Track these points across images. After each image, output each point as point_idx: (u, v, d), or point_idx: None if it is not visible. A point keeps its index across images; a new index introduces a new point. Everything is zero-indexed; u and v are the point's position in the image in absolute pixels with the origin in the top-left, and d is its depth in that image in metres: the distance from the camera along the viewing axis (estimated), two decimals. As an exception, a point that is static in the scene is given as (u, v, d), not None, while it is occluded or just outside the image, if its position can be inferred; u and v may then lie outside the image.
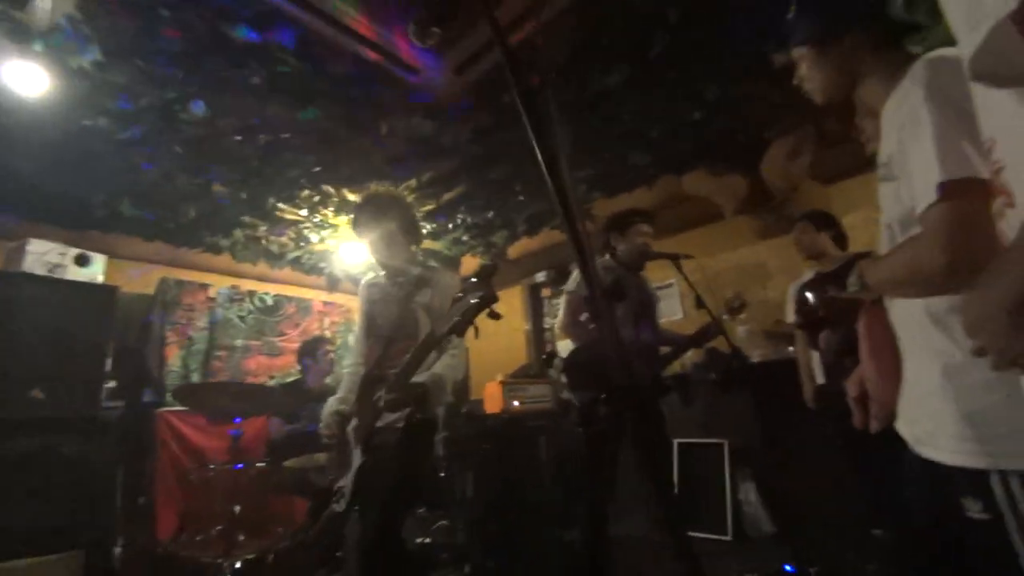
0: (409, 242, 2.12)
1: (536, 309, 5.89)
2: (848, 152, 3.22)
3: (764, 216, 3.74)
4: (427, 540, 3.19)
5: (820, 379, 2.48)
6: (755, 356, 3.63)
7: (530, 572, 2.87)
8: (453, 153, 3.28)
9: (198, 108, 2.56)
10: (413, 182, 3.65)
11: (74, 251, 3.22)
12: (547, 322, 5.89)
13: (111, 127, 2.67)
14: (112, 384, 3.27)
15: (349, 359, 2.10)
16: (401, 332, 1.87)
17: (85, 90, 2.38)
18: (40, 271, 3.06)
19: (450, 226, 4.44)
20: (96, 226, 3.63)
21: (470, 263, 5.37)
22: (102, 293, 3.19)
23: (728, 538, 3.08)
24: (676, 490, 2.25)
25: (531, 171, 3.56)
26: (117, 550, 2.83)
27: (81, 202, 3.35)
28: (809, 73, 1.04)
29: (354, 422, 1.82)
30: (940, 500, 0.85)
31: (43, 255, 3.12)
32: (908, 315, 0.90)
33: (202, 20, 2.08)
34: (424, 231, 4.50)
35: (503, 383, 4.06)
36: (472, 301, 1.26)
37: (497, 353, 5.83)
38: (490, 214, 4.27)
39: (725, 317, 2.47)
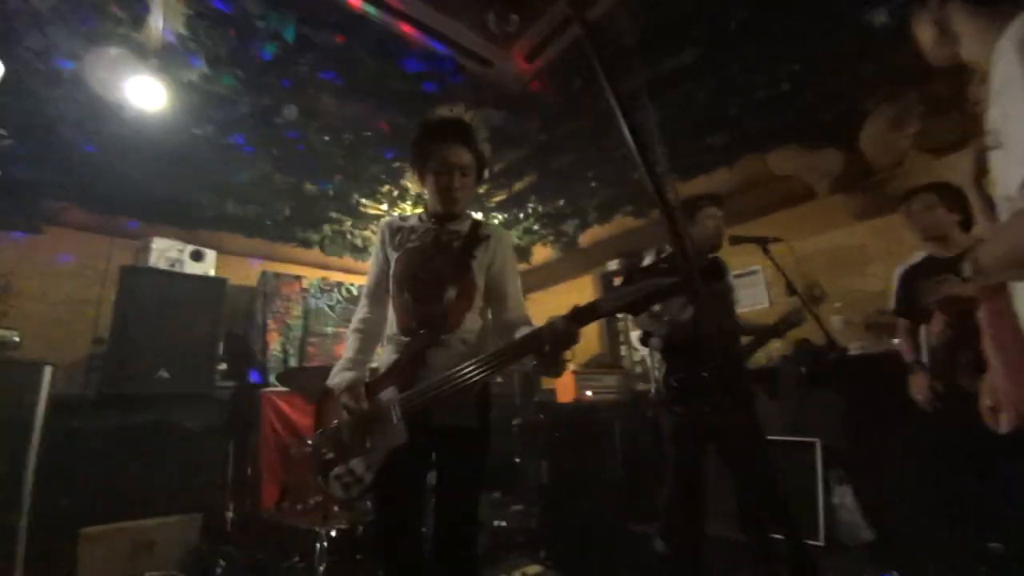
0: (477, 183, 1.72)
1: (609, 298, 5.80)
2: (961, 120, 2.83)
3: (864, 195, 3.40)
4: (503, 523, 3.28)
5: (928, 374, 2.22)
6: (853, 348, 3.34)
7: (602, 562, 2.86)
8: (522, 143, 3.28)
9: (291, 112, 2.76)
10: (485, 173, 3.70)
11: (190, 247, 3.64)
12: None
13: (216, 134, 2.94)
14: (223, 366, 3.66)
15: (360, 313, 1.69)
16: (450, 291, 1.52)
17: (194, 101, 2.65)
18: (163, 266, 3.49)
19: (521, 216, 4.47)
20: (206, 225, 4.04)
21: (541, 252, 5.38)
22: (214, 285, 3.58)
23: (820, 544, 2.87)
24: (774, 491, 2.08)
25: (601, 158, 3.49)
26: (229, 515, 3.17)
27: (193, 203, 3.74)
28: (917, 34, 0.95)
29: (391, 392, 1.47)
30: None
31: (165, 251, 3.56)
32: None
33: (289, 26, 2.23)
34: (495, 221, 4.57)
35: (576, 372, 4.05)
36: (665, 282, 1.01)
37: (569, 342, 5.82)
38: (561, 202, 4.25)
39: (800, 315, 2.29)
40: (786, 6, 2.20)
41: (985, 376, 0.96)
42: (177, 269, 3.55)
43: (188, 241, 3.71)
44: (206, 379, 3.36)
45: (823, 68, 2.62)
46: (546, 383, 4.72)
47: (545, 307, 6.35)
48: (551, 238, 4.94)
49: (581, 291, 5.95)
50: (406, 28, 2.25)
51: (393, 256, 1.63)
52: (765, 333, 2.42)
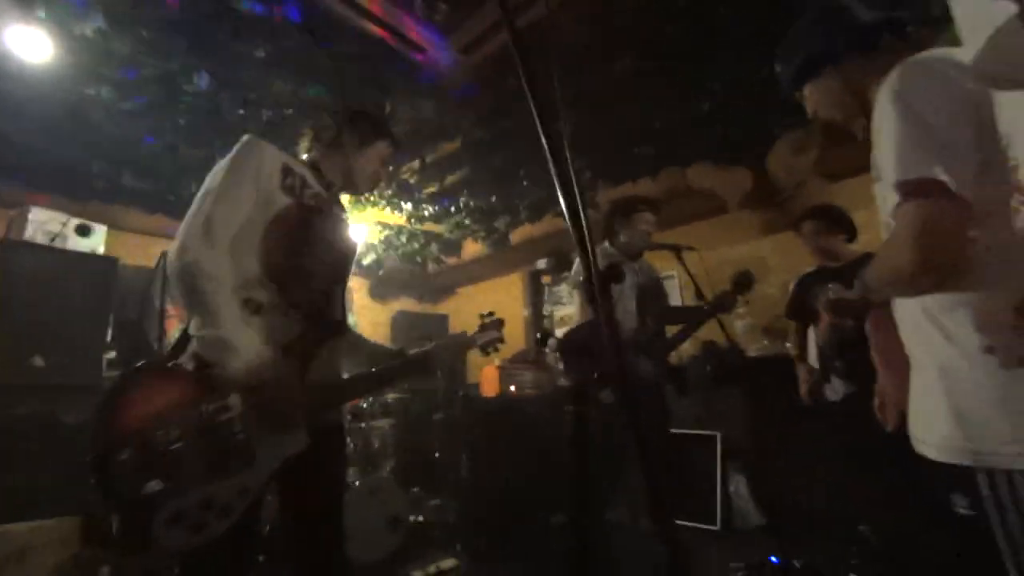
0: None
1: (536, 295, 5.90)
2: (854, 149, 3.19)
3: (768, 211, 3.73)
4: (420, 518, 3.25)
5: (815, 374, 2.48)
6: (752, 351, 3.65)
7: (519, 554, 2.91)
8: (456, 136, 3.25)
9: (202, 80, 2.54)
10: (416, 163, 3.63)
11: (75, 221, 3.22)
12: (546, 308, 5.91)
13: (114, 97, 2.64)
14: (112, 355, 3.29)
15: (223, 294, 1.16)
16: (335, 275, 1.41)
17: (88, 58, 2.36)
18: (41, 240, 3.07)
19: (452, 209, 4.43)
20: (97, 197, 3.62)
21: (471, 247, 5.37)
22: (103, 264, 3.19)
23: (716, 528, 3.12)
24: (669, 479, 2.24)
25: (535, 157, 3.54)
26: (115, 518, 2.88)
27: (82, 172, 3.33)
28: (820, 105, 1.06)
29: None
30: (930, 496, 0.86)
31: (44, 224, 3.13)
32: (907, 314, 0.91)
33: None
34: (426, 213, 4.49)
35: (500, 367, 4.09)
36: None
37: (495, 338, 5.86)
38: (493, 199, 4.26)
39: (731, 297, 2.41)
40: (712, 31, 2.35)
41: (877, 378, 1.08)
42: (59, 244, 3.13)
43: (75, 214, 3.29)
44: (90, 368, 3.01)
45: (740, 93, 2.82)
46: (472, 378, 4.72)
47: (474, 302, 6.36)
48: (482, 234, 4.94)
49: (509, 288, 6.01)
50: (338, 5, 2.15)
51: (283, 201, 1.29)
52: (697, 316, 2.49)
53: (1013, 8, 0.42)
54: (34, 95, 2.58)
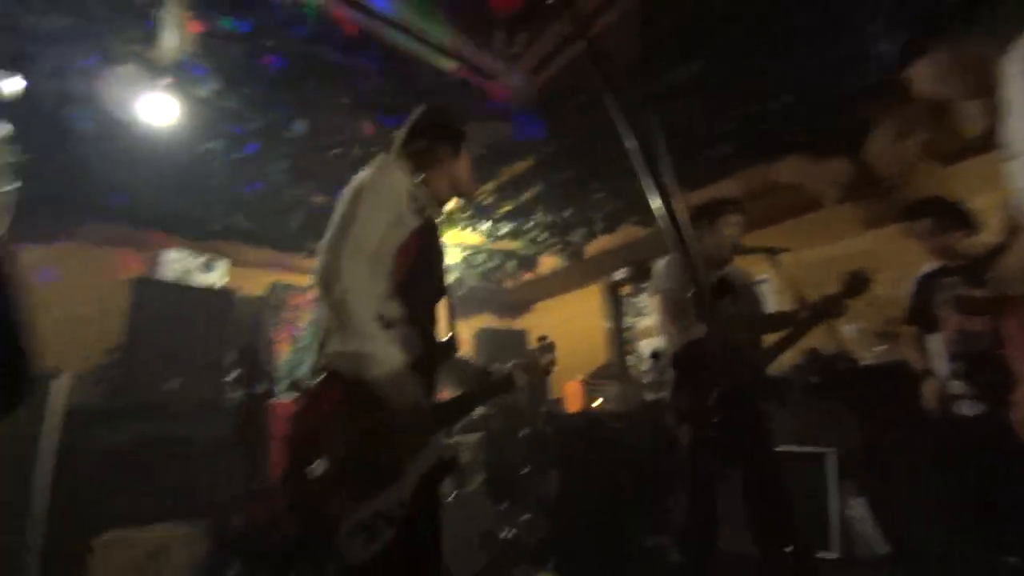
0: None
1: (616, 308, 5.78)
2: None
3: (869, 203, 3.39)
4: (512, 533, 3.26)
5: (944, 382, 2.19)
6: (864, 358, 3.30)
7: (612, 573, 2.83)
8: (529, 153, 3.31)
9: (298, 127, 2.80)
10: (491, 184, 3.73)
11: (200, 259, 3.68)
12: (626, 321, 5.76)
13: (227, 148, 2.99)
14: (232, 376, 3.68)
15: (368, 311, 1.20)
16: (440, 291, 1.47)
17: (206, 117, 2.70)
18: (173, 277, 3.54)
19: (527, 226, 4.48)
20: (215, 236, 4.09)
21: (547, 261, 5.39)
22: (222, 296, 3.61)
23: (835, 556, 2.83)
24: (787, 505, 2.01)
25: (607, 168, 3.50)
26: (237, 523, 3.18)
27: (203, 215, 3.79)
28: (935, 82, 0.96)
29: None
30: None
31: (174, 263, 3.60)
32: None
33: (298, 46, 2.28)
34: (502, 231, 4.58)
35: (584, 382, 4.04)
36: None
37: (576, 352, 5.80)
38: (567, 212, 4.26)
39: (839, 301, 2.13)
40: (786, 19, 2.21)
41: (1016, 388, 0.95)
42: (187, 279, 3.59)
43: (199, 252, 3.76)
44: (215, 389, 3.38)
45: (825, 79, 2.62)
46: (554, 393, 4.70)
47: (552, 316, 6.36)
48: (558, 247, 4.95)
49: (588, 300, 5.94)
50: (413, 45, 2.29)
51: (413, 222, 1.35)
52: (799, 323, 2.22)
53: None
54: (162, 152, 2.98)
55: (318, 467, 1.07)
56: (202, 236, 4.05)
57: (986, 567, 2.08)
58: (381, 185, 1.32)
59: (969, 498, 2.13)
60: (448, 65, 2.40)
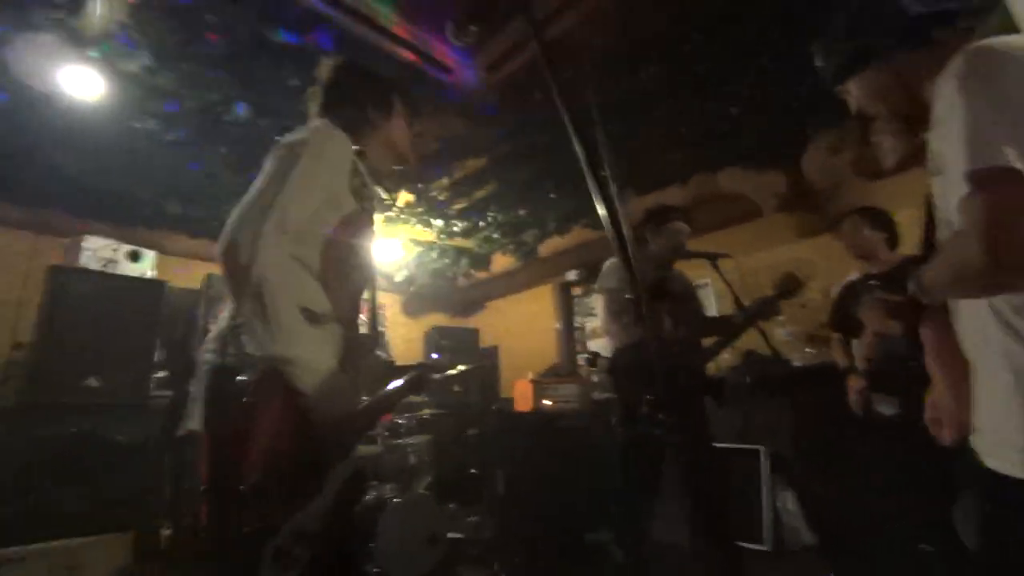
0: None
1: (567, 308, 5.86)
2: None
3: (805, 214, 3.60)
4: (458, 535, 3.22)
5: (866, 383, 2.36)
6: (796, 360, 3.50)
7: (557, 571, 2.85)
8: (483, 151, 3.29)
9: (241, 110, 2.65)
10: (445, 181, 3.68)
11: (126, 247, 3.41)
12: (577, 321, 5.85)
13: (159, 129, 2.79)
14: (161, 374, 3.43)
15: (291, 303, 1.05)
16: (366, 283, 1.30)
17: (135, 94, 2.50)
18: (95, 266, 3.25)
19: (481, 224, 4.46)
20: (144, 223, 3.81)
21: (501, 260, 5.39)
22: (151, 288, 3.35)
23: (766, 548, 2.98)
24: (724, 499, 2.12)
25: (561, 169, 3.54)
26: (165, 532, 2.97)
27: (131, 200, 3.52)
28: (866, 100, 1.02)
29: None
30: (1002, 515, 0.80)
31: (97, 251, 3.31)
32: (971, 318, 0.85)
33: (244, 24, 2.15)
34: (456, 229, 4.53)
35: (534, 382, 4.05)
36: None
37: (527, 352, 5.83)
38: (521, 212, 4.27)
39: (772, 303, 2.31)
40: (738, 34, 2.31)
41: (930, 390, 1.01)
42: (111, 270, 3.30)
43: (125, 240, 3.48)
44: (140, 388, 3.14)
45: (770, 96, 2.76)
46: (505, 392, 4.70)
47: (505, 315, 6.36)
48: (511, 247, 4.95)
49: (540, 300, 5.99)
50: (365, 30, 2.21)
51: (349, 204, 1.17)
52: (734, 326, 2.40)
53: None
54: (86, 130, 2.74)
55: (247, 478, 0.94)
56: (129, 223, 3.76)
57: (905, 555, 2.26)
58: (322, 151, 1.11)
59: (889, 491, 2.31)
60: (403, 53, 2.34)
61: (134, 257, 3.42)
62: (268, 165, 1.11)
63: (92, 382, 2.92)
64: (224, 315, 1.08)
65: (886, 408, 2.18)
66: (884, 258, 2.33)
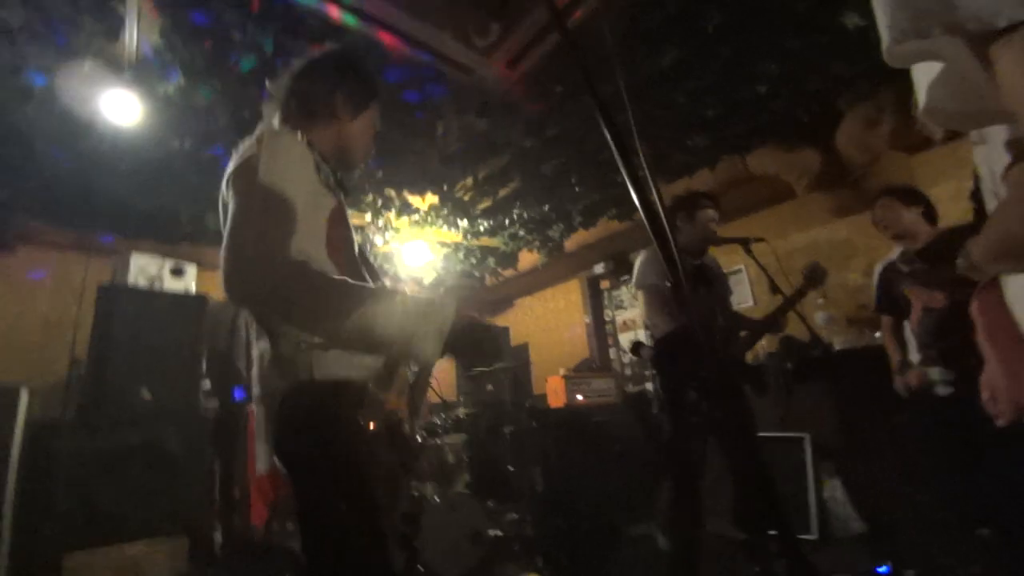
0: None
1: (596, 301, 5.82)
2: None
3: (841, 192, 3.47)
4: (498, 532, 3.24)
5: (915, 363, 2.27)
6: (837, 344, 3.39)
7: (600, 566, 2.84)
8: (506, 149, 3.29)
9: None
10: (469, 181, 3.70)
11: (170, 263, 3.56)
12: (607, 314, 5.80)
13: (195, 147, 2.90)
14: (207, 384, 3.58)
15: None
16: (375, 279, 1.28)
17: (172, 114, 2.60)
18: (142, 282, 3.41)
19: (506, 222, 4.47)
20: (188, 238, 3.96)
21: (527, 257, 5.39)
22: (195, 303, 3.50)
23: (813, 537, 2.90)
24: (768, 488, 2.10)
25: (585, 161, 3.52)
26: (217, 537, 3.09)
27: (173, 217, 3.67)
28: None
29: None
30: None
31: (144, 268, 3.48)
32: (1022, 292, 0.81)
33: (267, 39, 2.21)
34: (481, 228, 4.56)
35: (566, 377, 4.05)
36: None
37: (558, 347, 5.82)
38: (546, 207, 4.26)
39: (803, 292, 2.31)
40: (760, 9, 2.25)
41: (984, 369, 0.97)
42: (156, 286, 3.47)
43: (168, 256, 3.64)
44: (189, 398, 3.28)
45: (798, 69, 2.68)
46: (538, 388, 4.70)
47: (533, 311, 6.36)
48: (537, 243, 4.95)
49: (568, 295, 5.97)
50: (385, 37, 2.25)
51: (329, 201, 1.13)
52: (759, 327, 2.43)
53: None
54: (126, 152, 2.87)
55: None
56: (170, 240, 3.93)
57: (960, 541, 2.16)
58: (283, 156, 1.05)
59: (942, 475, 2.21)
60: (423, 57, 2.37)
61: (176, 273, 3.59)
62: (236, 194, 1.08)
63: (145, 395, 3.06)
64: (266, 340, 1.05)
65: (941, 388, 2.09)
66: (922, 234, 2.24)
